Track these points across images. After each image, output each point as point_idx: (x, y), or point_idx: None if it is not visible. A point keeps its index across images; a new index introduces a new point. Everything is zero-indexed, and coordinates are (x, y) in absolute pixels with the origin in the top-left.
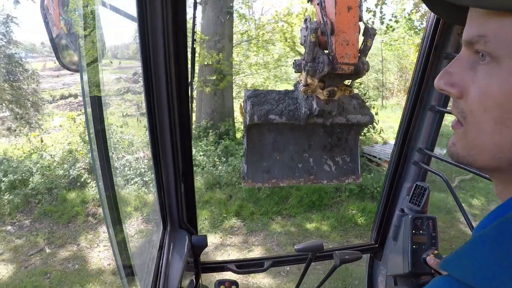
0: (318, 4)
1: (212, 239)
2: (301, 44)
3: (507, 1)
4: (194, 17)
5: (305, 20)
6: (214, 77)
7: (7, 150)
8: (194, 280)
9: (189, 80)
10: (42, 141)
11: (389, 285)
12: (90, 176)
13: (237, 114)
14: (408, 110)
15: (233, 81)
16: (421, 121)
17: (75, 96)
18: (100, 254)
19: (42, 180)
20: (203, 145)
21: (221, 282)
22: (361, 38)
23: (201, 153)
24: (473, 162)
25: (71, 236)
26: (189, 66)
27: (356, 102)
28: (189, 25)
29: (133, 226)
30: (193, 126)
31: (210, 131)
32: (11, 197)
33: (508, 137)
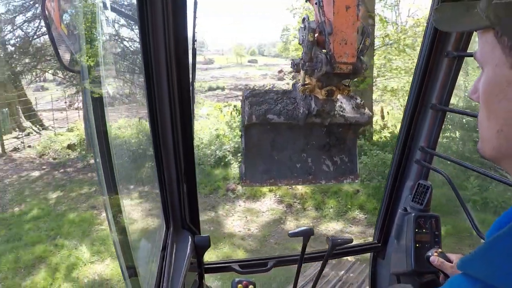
0: (316, 3)
1: (334, 225)
2: (299, 43)
3: (477, 24)
4: (195, 17)
5: (303, 20)
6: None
7: None
8: (198, 281)
9: (191, 80)
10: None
11: (392, 283)
12: (233, 158)
13: (377, 118)
14: (409, 108)
15: (374, 83)
16: (422, 119)
17: (222, 88)
18: (233, 222)
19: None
20: None
21: (239, 281)
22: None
23: None
24: (483, 153)
25: (210, 205)
26: (191, 66)
27: (354, 102)
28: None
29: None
30: None
31: None
32: None
33: (492, 128)
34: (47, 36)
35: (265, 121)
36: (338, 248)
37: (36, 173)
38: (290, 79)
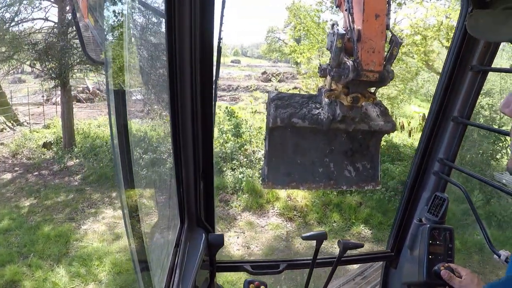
0: (346, 10)
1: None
2: (327, 49)
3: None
4: (222, 15)
5: (333, 26)
6: None
7: None
8: (209, 278)
9: (214, 79)
10: None
11: None
12: (225, 164)
13: None
14: (431, 120)
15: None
16: (443, 131)
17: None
18: (230, 239)
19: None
20: None
21: (250, 281)
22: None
23: None
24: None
25: None
26: (215, 64)
27: (378, 110)
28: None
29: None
30: None
31: None
32: None
33: None
34: (27, 24)
35: (289, 124)
36: (351, 255)
37: (7, 176)
38: (277, 81)
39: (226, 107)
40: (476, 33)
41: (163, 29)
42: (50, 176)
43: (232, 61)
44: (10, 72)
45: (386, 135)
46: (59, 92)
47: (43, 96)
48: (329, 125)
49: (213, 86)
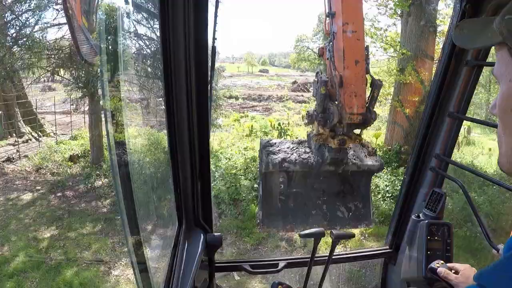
0: (327, 58)
1: None
2: (312, 96)
3: (491, 40)
4: (216, 16)
5: (316, 74)
6: (416, 98)
7: None
8: (208, 279)
9: (209, 79)
10: None
11: None
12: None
13: None
14: (426, 115)
15: None
16: (439, 127)
17: (236, 97)
18: None
19: None
20: (388, 172)
21: (279, 283)
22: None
23: (385, 181)
24: (502, 167)
25: None
26: (209, 66)
27: (366, 150)
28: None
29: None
30: (384, 149)
31: (403, 156)
32: None
33: (508, 143)
34: (52, 29)
35: (281, 169)
36: (350, 253)
37: (28, 196)
38: (309, 91)
39: (279, 124)
40: (460, 42)
41: (157, 30)
42: (75, 199)
43: (260, 71)
44: (40, 80)
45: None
46: (87, 101)
47: (72, 105)
48: (319, 168)
49: (209, 87)
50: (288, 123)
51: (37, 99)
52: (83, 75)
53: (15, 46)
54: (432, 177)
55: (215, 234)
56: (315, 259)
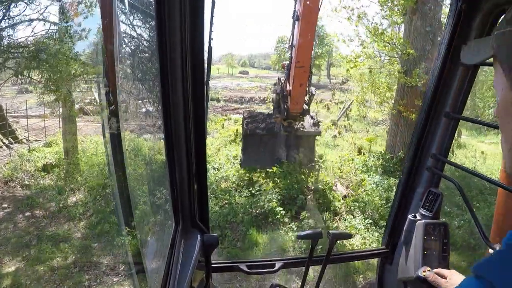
0: (285, 74)
1: None
2: (272, 101)
3: (487, 54)
4: (212, 16)
5: (274, 84)
6: (420, 102)
7: None
8: (205, 279)
9: (205, 79)
10: None
11: None
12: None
13: None
14: (423, 115)
15: None
16: (435, 127)
17: (217, 100)
18: None
19: None
20: (393, 184)
21: (277, 285)
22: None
23: (390, 191)
24: (506, 171)
25: None
26: (206, 66)
27: (312, 121)
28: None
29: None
30: (386, 157)
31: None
32: None
33: (506, 148)
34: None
35: (255, 133)
36: (347, 252)
37: None
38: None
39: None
40: (464, 59)
41: (154, 31)
42: (46, 220)
43: (240, 72)
44: (11, 81)
45: None
46: (60, 104)
47: (48, 108)
48: (278, 132)
49: (205, 87)
50: None
51: (10, 102)
52: (55, 76)
53: None
54: (429, 177)
55: (212, 234)
56: (313, 258)
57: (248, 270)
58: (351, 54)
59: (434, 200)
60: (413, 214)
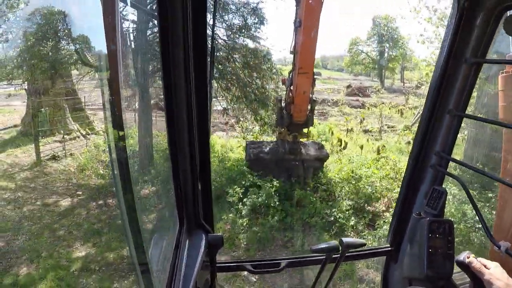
0: (287, 87)
1: None
2: (273, 110)
3: None
4: (214, 15)
5: (278, 98)
6: None
7: None
8: (210, 279)
9: (208, 78)
10: None
11: (404, 287)
12: None
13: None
14: (426, 113)
15: None
16: (439, 124)
17: None
18: None
19: None
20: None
21: None
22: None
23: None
24: None
25: None
26: (209, 64)
27: (317, 145)
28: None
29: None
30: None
31: None
32: None
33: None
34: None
35: (259, 157)
36: (351, 252)
37: (66, 202)
38: (363, 96)
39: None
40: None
41: (157, 30)
42: (118, 210)
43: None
44: (89, 76)
45: None
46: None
47: (124, 102)
48: (282, 156)
49: (208, 86)
50: (347, 129)
51: (89, 95)
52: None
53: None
54: (433, 175)
55: (216, 234)
56: (320, 259)
57: (254, 270)
58: (431, 56)
59: (439, 198)
60: (417, 212)
